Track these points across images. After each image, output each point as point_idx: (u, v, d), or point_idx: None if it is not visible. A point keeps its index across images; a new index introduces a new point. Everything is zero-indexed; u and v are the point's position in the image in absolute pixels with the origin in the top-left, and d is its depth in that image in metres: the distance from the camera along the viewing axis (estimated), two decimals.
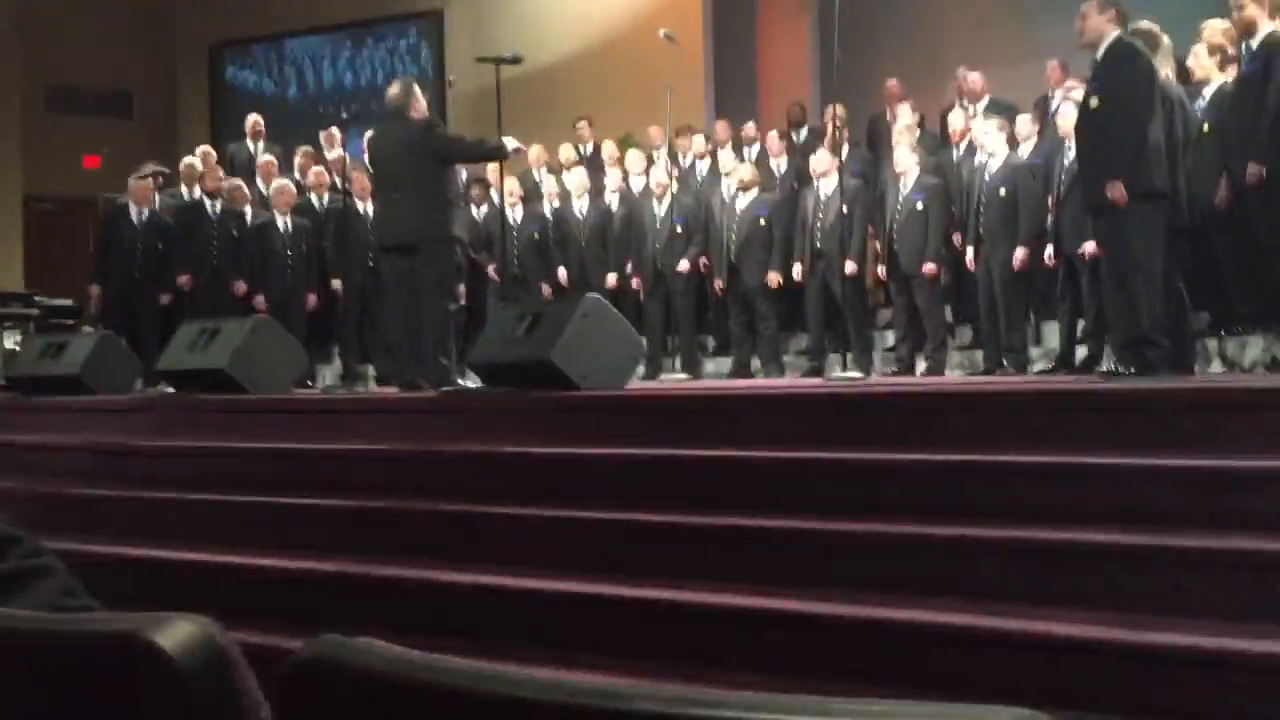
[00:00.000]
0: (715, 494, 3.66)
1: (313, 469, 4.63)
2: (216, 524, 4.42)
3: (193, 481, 4.85)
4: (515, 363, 4.89)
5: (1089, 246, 6.49)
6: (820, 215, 8.00)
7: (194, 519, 4.51)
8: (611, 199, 9.08)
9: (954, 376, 7.57)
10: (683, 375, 7.93)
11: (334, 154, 9.90)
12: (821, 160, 8.04)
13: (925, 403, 3.83)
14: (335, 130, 10.12)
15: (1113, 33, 5.11)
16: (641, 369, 7.78)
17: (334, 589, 3.74)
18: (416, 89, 6.23)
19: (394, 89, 6.24)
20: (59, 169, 13.11)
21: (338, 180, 9.33)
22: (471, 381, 5.70)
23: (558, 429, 4.38)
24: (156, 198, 9.23)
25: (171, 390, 6.54)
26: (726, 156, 8.85)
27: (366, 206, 8.70)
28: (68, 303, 10.13)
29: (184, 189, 9.46)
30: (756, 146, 9.44)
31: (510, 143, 6.20)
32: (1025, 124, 7.41)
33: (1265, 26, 5.50)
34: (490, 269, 8.75)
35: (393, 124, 6.31)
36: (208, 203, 8.86)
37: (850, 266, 7.84)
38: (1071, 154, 6.70)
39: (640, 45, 11.03)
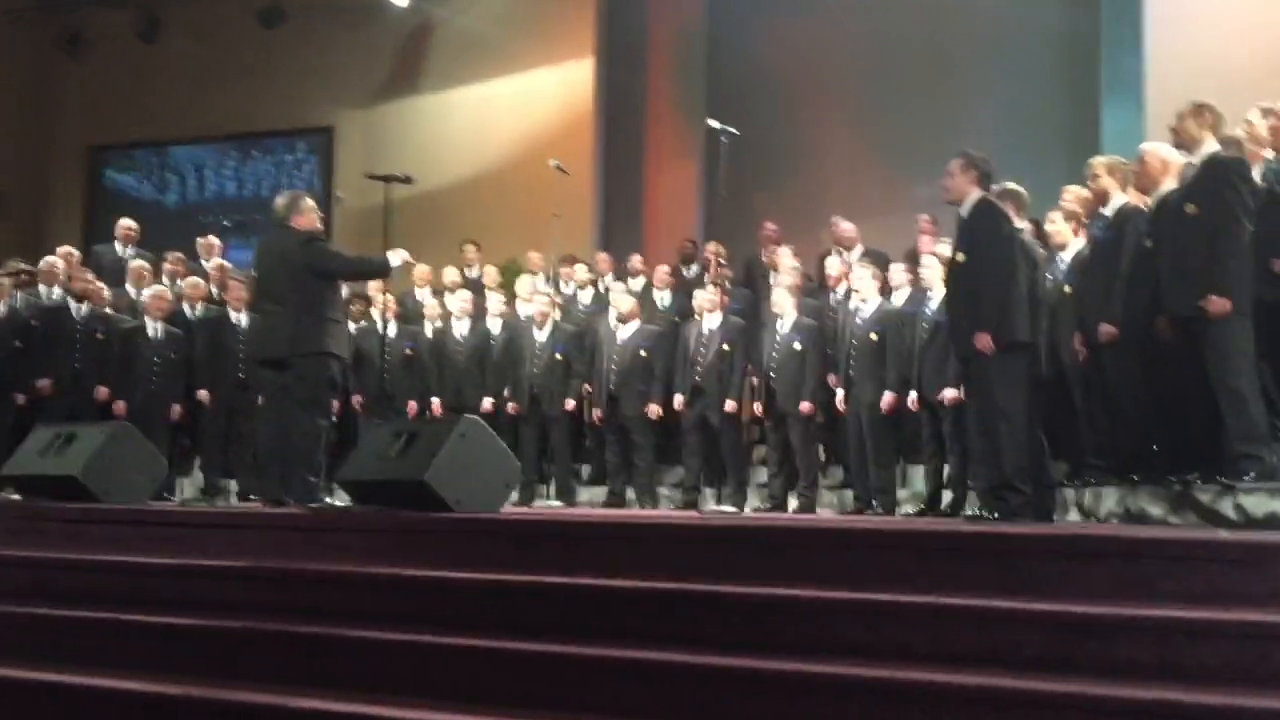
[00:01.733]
0: (584, 622, 3.63)
1: (166, 585, 4.45)
2: (56, 641, 4.20)
3: (33, 594, 4.61)
4: (387, 481, 4.83)
5: (948, 393, 6.75)
6: (702, 350, 8.16)
7: (32, 635, 4.28)
8: (494, 323, 9.13)
9: (825, 515, 7.69)
10: (557, 503, 7.90)
11: (212, 262, 9.78)
12: (707, 296, 8.23)
13: (795, 538, 3.88)
14: (214, 238, 10.03)
15: (976, 194, 5.41)
16: (515, 494, 7.73)
17: (181, 714, 3.57)
18: (306, 201, 6.18)
19: (281, 199, 6.22)
20: None
21: (213, 290, 9.22)
22: (340, 500, 5.59)
23: (427, 551, 4.31)
24: (19, 296, 8.96)
25: (17, 498, 6.24)
26: (616, 287, 9.00)
27: (240, 317, 8.60)
28: None
29: (42, 288, 9.19)
30: (641, 279, 9.62)
31: (396, 256, 6.20)
32: (899, 273, 7.71)
33: (1118, 198, 5.89)
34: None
35: (276, 234, 6.28)
36: (72, 304, 8.61)
37: (730, 404, 7.98)
38: (934, 303, 7.02)
39: (530, 173, 11.25)
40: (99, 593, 4.50)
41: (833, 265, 8.49)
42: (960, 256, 5.39)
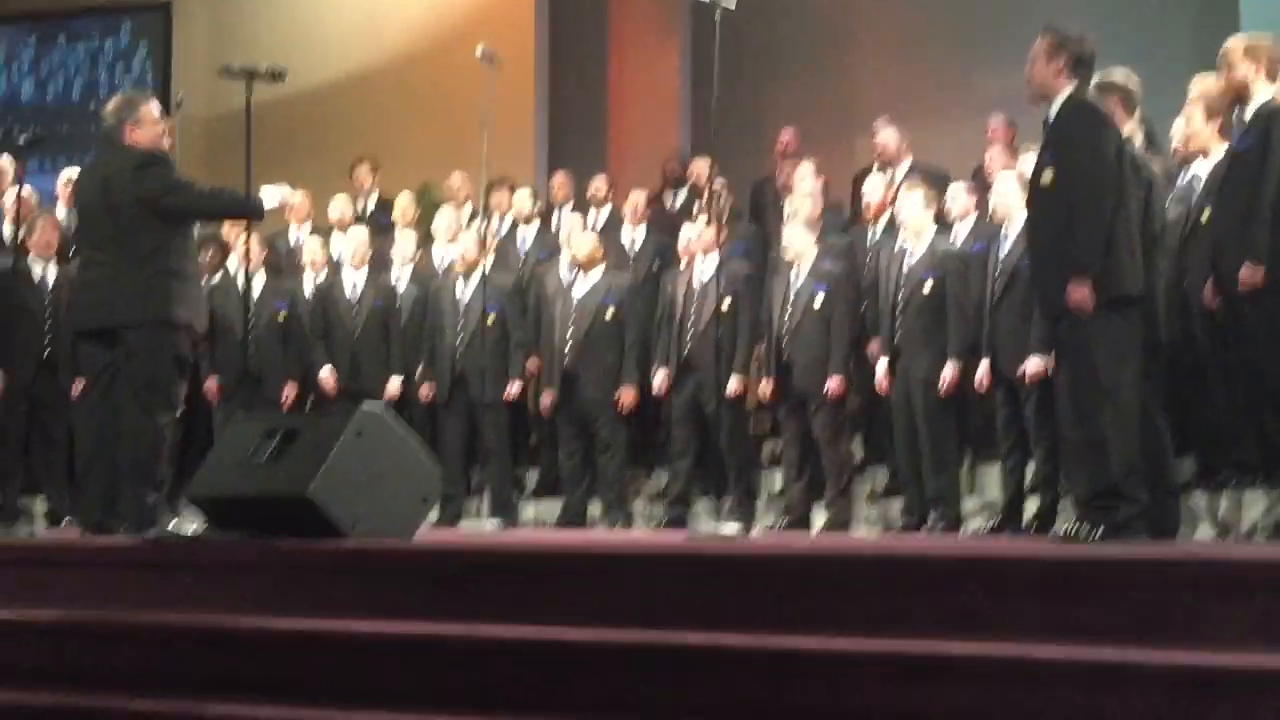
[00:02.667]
0: (531, 688, 3.65)
1: None
2: None
3: None
4: (255, 498, 4.82)
5: (1032, 365, 6.77)
6: (693, 309, 8.16)
7: None
8: (401, 274, 9.10)
9: (862, 534, 7.72)
10: (492, 522, 7.91)
11: (8, 194, 9.70)
12: (698, 234, 8.22)
13: (821, 569, 3.90)
14: (5, 159, 9.94)
15: (1068, 88, 5.41)
16: (435, 514, 7.73)
17: None
18: (147, 108, 6.10)
19: (112, 103, 6.15)
20: None
21: (6, 231, 9.15)
22: (190, 524, 5.58)
23: (314, 594, 4.31)
24: None
25: None
26: (571, 222, 8.96)
27: (46, 271, 8.54)
28: None
29: None
30: (606, 210, 9.62)
31: (273, 194, 6.17)
32: (960, 198, 7.72)
33: (1262, 92, 5.90)
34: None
35: (103, 155, 6.20)
36: None
37: (734, 383, 8.00)
38: (1009, 242, 7.04)
39: (448, 66, 11.19)
40: None
41: (872, 188, 8.51)
42: (1047, 177, 5.40)
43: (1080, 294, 5.21)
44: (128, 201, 5.86)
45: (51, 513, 8.60)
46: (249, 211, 6.28)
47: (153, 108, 6.14)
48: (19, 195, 7.36)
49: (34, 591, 4.75)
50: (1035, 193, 5.54)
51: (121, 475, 5.82)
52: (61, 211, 8.99)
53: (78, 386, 7.60)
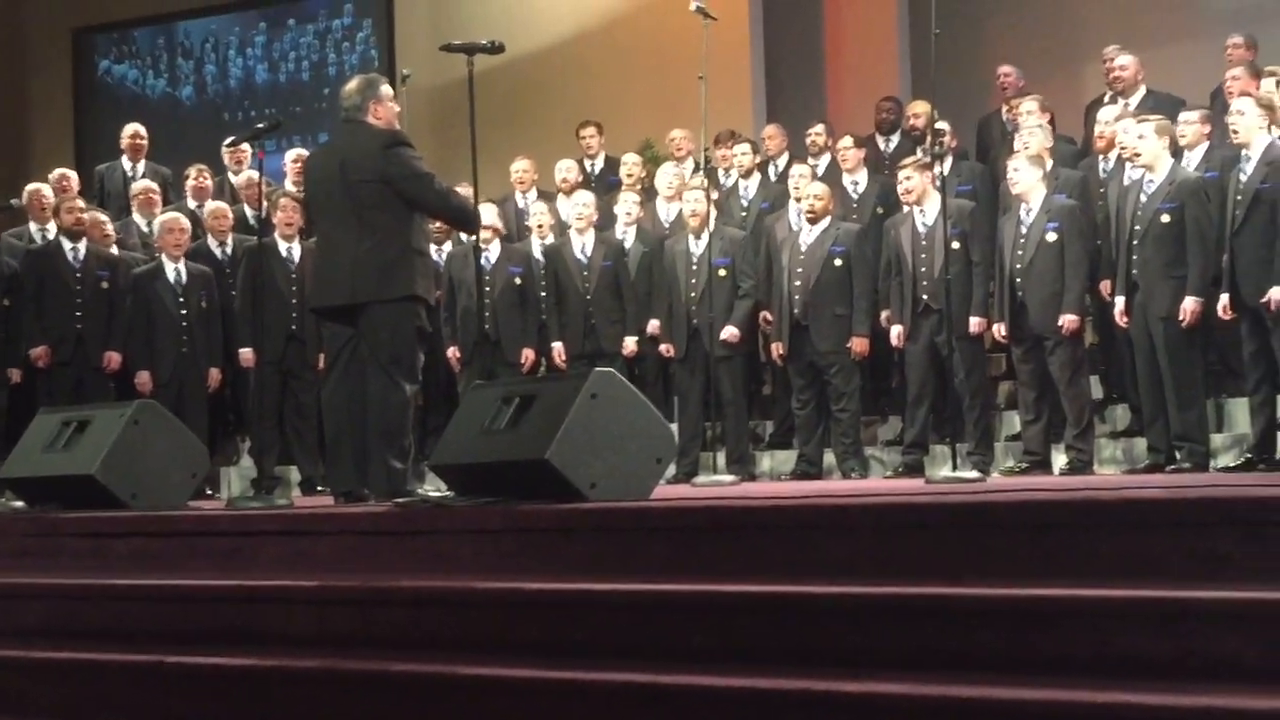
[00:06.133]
0: (774, 644, 3.64)
1: (214, 615, 4.62)
2: (78, 693, 4.41)
3: (46, 633, 4.85)
4: (496, 464, 4.90)
5: (1276, 293, 6.55)
6: (923, 253, 8.05)
7: (47, 686, 4.50)
8: (626, 234, 9.16)
9: (1106, 475, 7.55)
10: (729, 477, 7.93)
11: (242, 176, 10.06)
12: (909, 181, 8.11)
13: (1065, 515, 3.81)
14: (245, 144, 10.30)
15: None
16: (672, 469, 7.79)
17: None
18: (385, 88, 6.24)
19: (351, 84, 6.29)
20: None
21: (249, 212, 9.47)
22: (435, 490, 5.71)
23: (557, 556, 4.38)
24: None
25: (21, 505, 6.57)
26: (799, 173, 8.91)
27: (292, 248, 8.81)
28: None
29: (31, 226, 9.57)
30: (825, 159, 9.54)
31: (488, 213, 6.25)
32: (1191, 125, 7.47)
33: None
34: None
35: (340, 138, 6.34)
36: (67, 245, 8.95)
37: (975, 323, 7.88)
38: (1251, 165, 6.79)
39: (662, 23, 11.19)
40: (128, 628, 4.70)
41: (1105, 118, 8.26)
42: None
43: None
44: (371, 179, 5.98)
45: (305, 481, 8.90)
46: (469, 223, 6.39)
47: (389, 89, 6.28)
48: (260, 178, 7.61)
49: (294, 558, 4.91)
50: None
51: (370, 444, 5.99)
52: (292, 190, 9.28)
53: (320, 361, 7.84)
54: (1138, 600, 3.38)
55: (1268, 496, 3.67)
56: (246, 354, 8.81)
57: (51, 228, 9.30)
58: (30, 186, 9.82)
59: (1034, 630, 3.41)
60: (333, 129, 6.61)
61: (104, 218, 9.32)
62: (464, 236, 9.02)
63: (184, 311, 8.80)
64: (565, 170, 9.85)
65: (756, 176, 9.63)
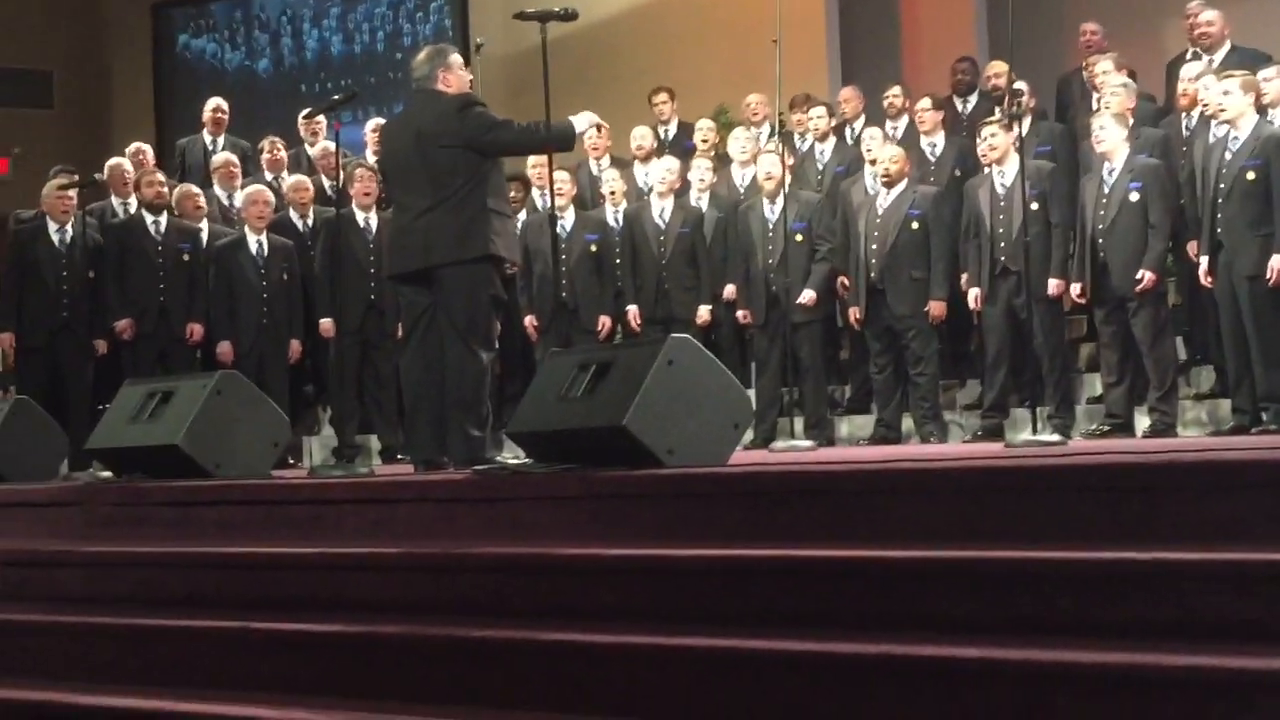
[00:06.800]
0: (859, 610, 3.64)
1: (299, 582, 4.68)
2: (164, 659, 4.49)
3: (136, 601, 4.93)
4: (574, 431, 4.92)
5: None
6: (1001, 215, 7.98)
7: (138, 652, 4.58)
8: (701, 199, 9.15)
9: (1191, 437, 7.48)
10: (807, 443, 7.92)
11: (318, 147, 10.13)
12: (994, 139, 8.03)
13: (1147, 477, 3.78)
14: (321, 116, 10.38)
15: None
16: (750, 434, 7.79)
17: None
18: (455, 56, 6.35)
19: (422, 55, 6.39)
20: None
21: (326, 183, 9.55)
22: (513, 457, 5.75)
23: (635, 522, 4.39)
24: (80, 214, 9.49)
25: (108, 475, 6.68)
26: (871, 136, 8.84)
27: (369, 219, 8.89)
28: None
29: (114, 200, 9.71)
30: (904, 121, 9.47)
31: (583, 119, 6.30)
32: (1275, 81, 7.34)
33: None
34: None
35: (413, 107, 6.39)
36: (149, 218, 9.08)
37: (1054, 284, 7.82)
38: None
39: None
40: (215, 595, 4.78)
41: (1189, 75, 8.13)
42: None
43: None
44: (448, 143, 6.04)
45: (385, 450, 8.98)
46: (564, 141, 6.39)
47: (459, 57, 6.35)
48: (337, 149, 7.66)
49: (375, 526, 4.96)
50: None
51: (448, 412, 6.05)
52: (371, 160, 9.33)
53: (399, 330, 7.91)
54: (1221, 563, 3.34)
55: None
56: (326, 324, 8.91)
57: (133, 201, 9.44)
58: (111, 161, 9.98)
59: (1115, 594, 3.38)
60: (407, 99, 6.67)
61: (196, 190, 9.45)
62: (538, 205, 9.06)
63: (265, 283, 8.91)
64: (640, 137, 9.85)
65: (832, 140, 9.58)
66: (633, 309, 8.96)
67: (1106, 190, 7.65)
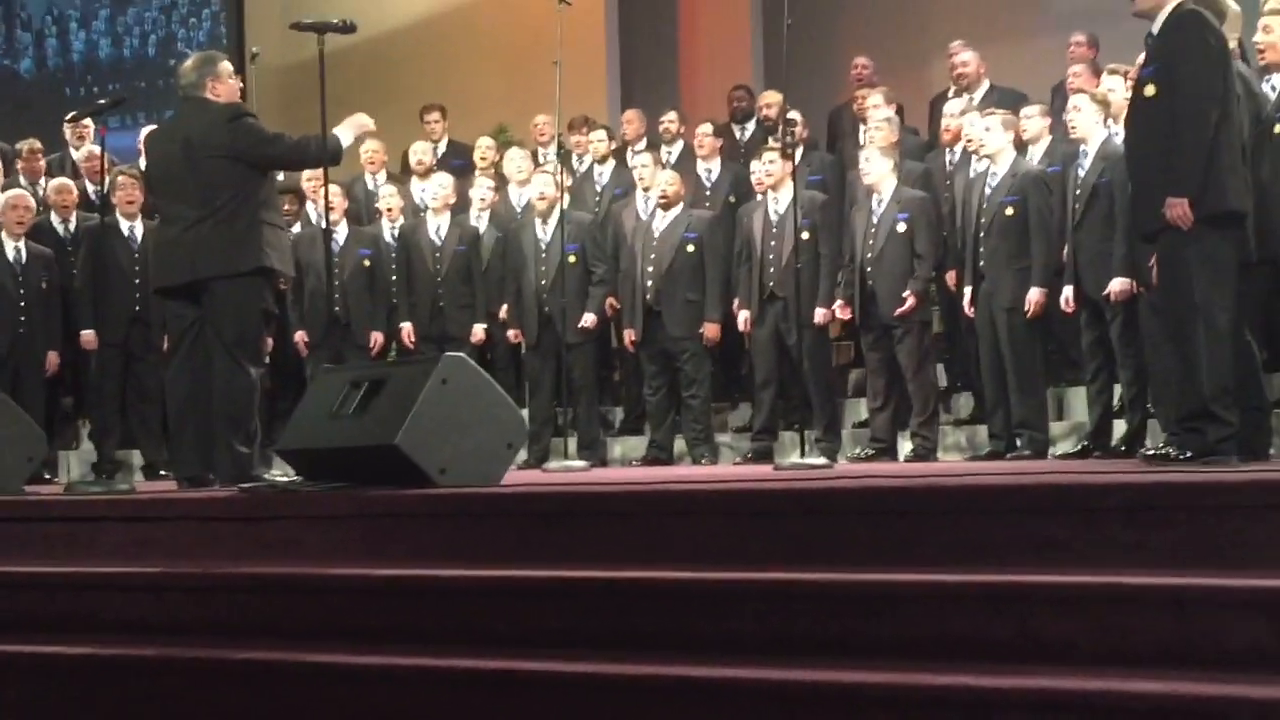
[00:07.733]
0: (626, 630, 3.66)
1: (50, 603, 4.53)
2: None
3: None
4: (345, 450, 4.86)
5: (1115, 285, 6.72)
6: (773, 241, 8.13)
7: None
8: (479, 219, 9.12)
9: (950, 462, 7.69)
10: (581, 463, 7.94)
11: (83, 151, 9.81)
12: (772, 165, 8.17)
13: (911, 500, 3.88)
14: (88, 119, 10.04)
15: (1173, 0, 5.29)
16: (523, 454, 7.78)
17: None
18: (224, 64, 6.25)
19: (189, 62, 6.27)
20: None
21: (90, 189, 9.26)
22: (282, 475, 5.65)
23: (406, 542, 4.35)
24: None
25: None
26: (643, 161, 8.95)
27: (134, 227, 8.64)
28: None
29: None
30: (679, 146, 9.58)
31: (348, 129, 6.21)
32: (1034, 120, 7.63)
33: None
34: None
35: (181, 115, 6.26)
36: None
37: (820, 313, 7.98)
38: (1089, 161, 6.96)
39: (517, 7, 11.16)
40: None
41: (951, 111, 8.41)
42: (1150, 90, 5.27)
43: (1179, 209, 5.10)
44: (216, 154, 5.93)
45: (148, 466, 8.74)
46: (331, 156, 6.30)
47: (228, 65, 6.24)
48: (102, 155, 7.43)
49: (135, 545, 4.82)
50: (1136, 106, 5.43)
51: (215, 428, 5.92)
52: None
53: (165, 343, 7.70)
54: (977, 585, 3.45)
55: (1102, 483, 3.77)
56: (88, 336, 8.64)
57: None
58: None
59: (877, 614, 3.47)
60: (177, 106, 6.52)
61: None
62: (311, 218, 8.93)
63: (22, 290, 8.58)
64: (420, 153, 9.80)
65: (611, 163, 9.63)
66: (406, 326, 8.89)
67: (875, 220, 7.84)
